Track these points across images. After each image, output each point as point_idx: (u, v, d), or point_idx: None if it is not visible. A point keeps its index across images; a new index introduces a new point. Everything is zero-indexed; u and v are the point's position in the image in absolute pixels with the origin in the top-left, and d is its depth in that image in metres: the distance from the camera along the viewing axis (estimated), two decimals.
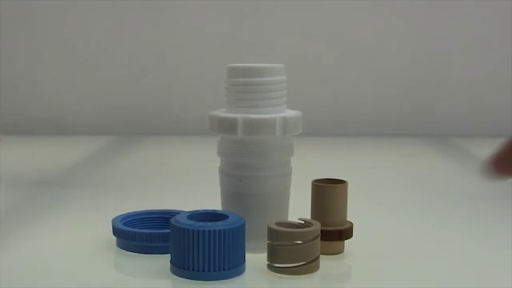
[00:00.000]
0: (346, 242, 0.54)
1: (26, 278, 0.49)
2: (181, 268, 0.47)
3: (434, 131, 1.32)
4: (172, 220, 0.48)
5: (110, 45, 1.33)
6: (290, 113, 0.55)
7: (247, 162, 0.53)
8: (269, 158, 0.53)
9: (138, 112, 1.34)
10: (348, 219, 0.55)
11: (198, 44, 1.32)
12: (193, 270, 0.47)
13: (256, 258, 0.50)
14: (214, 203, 0.56)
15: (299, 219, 0.51)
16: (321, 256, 0.49)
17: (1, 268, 0.52)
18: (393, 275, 0.49)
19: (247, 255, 0.49)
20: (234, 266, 0.47)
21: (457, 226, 0.65)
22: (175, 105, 1.33)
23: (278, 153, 0.54)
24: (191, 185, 0.84)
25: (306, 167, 0.64)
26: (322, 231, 0.49)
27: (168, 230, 0.49)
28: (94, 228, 0.60)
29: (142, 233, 0.53)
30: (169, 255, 0.49)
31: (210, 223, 0.47)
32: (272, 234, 0.48)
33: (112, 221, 0.56)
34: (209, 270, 0.46)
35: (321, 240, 0.49)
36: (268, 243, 0.49)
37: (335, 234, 0.52)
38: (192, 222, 0.47)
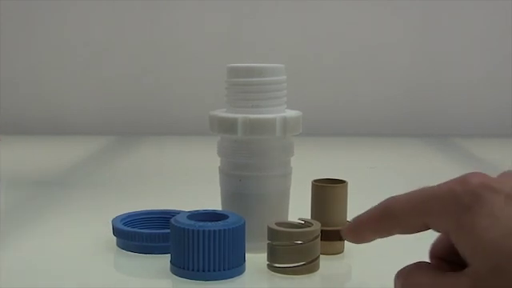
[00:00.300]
0: (346, 242, 0.54)
1: (26, 278, 0.49)
2: (181, 268, 0.47)
3: (433, 131, 1.32)
4: (172, 220, 0.48)
5: (110, 45, 1.33)
6: (290, 113, 0.55)
7: (247, 162, 0.53)
8: (269, 158, 0.53)
9: (138, 112, 1.34)
10: (348, 219, 0.55)
11: (198, 44, 1.32)
12: (193, 269, 0.47)
13: (256, 258, 0.50)
14: (214, 203, 0.56)
15: (299, 219, 0.51)
16: (321, 256, 0.49)
17: (1, 268, 0.52)
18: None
19: (247, 255, 0.49)
20: (234, 265, 0.47)
21: None
22: (175, 105, 1.33)
23: (278, 153, 0.54)
24: (191, 185, 0.84)
25: (305, 167, 0.64)
26: (321, 231, 0.49)
27: (168, 230, 0.49)
28: (93, 228, 0.60)
29: (142, 233, 0.53)
30: (169, 255, 0.49)
31: (210, 223, 0.47)
32: (272, 234, 0.48)
33: (112, 221, 0.55)
34: (209, 270, 0.46)
35: (321, 240, 0.49)
36: (268, 243, 0.49)
37: (335, 234, 0.52)
38: (192, 222, 0.47)
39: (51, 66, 1.33)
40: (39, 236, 0.60)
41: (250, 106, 0.53)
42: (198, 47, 1.32)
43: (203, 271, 0.46)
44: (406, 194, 0.38)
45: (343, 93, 1.34)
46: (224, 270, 0.47)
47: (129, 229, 0.54)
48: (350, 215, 0.55)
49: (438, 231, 0.37)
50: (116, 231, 0.54)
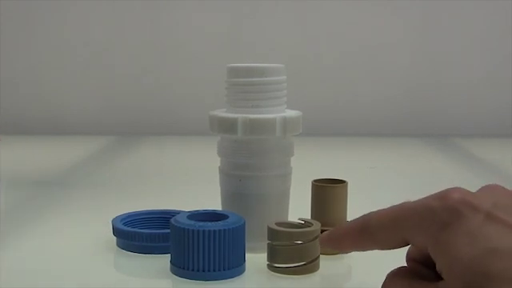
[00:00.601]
0: None
1: (26, 278, 0.49)
2: (181, 268, 0.47)
3: (434, 131, 1.32)
4: (172, 220, 0.48)
5: (110, 45, 1.33)
6: (290, 113, 0.55)
7: (247, 162, 0.53)
8: (269, 158, 0.53)
9: (138, 112, 1.34)
10: (348, 219, 0.55)
11: (198, 44, 1.32)
12: (193, 269, 0.47)
13: (256, 258, 0.50)
14: (214, 203, 0.56)
15: (299, 219, 0.51)
16: (321, 256, 0.49)
17: (1, 268, 0.52)
18: None
19: (247, 255, 0.49)
20: (234, 265, 0.47)
21: None
22: (175, 105, 1.33)
23: (278, 153, 0.54)
24: (191, 185, 0.84)
25: (305, 167, 0.64)
26: (321, 231, 0.49)
27: (168, 230, 0.49)
28: (94, 228, 0.60)
29: (142, 233, 0.53)
30: (169, 255, 0.49)
31: (210, 223, 0.47)
32: (272, 234, 0.48)
33: (112, 221, 0.55)
34: (209, 270, 0.46)
35: (321, 235, 0.49)
36: (268, 243, 0.49)
37: None
38: (192, 222, 0.47)
39: (51, 66, 1.33)
40: (39, 236, 0.60)
41: (250, 105, 0.53)
42: (198, 47, 1.32)
43: (203, 271, 0.46)
44: (385, 209, 0.38)
45: (343, 93, 1.34)
46: (224, 269, 0.47)
47: (129, 229, 0.54)
48: (350, 215, 0.55)
49: (417, 246, 0.37)
50: (116, 231, 0.54)
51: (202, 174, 0.77)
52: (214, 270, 0.46)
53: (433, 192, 0.37)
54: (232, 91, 0.54)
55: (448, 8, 1.32)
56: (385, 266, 0.41)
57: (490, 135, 1.29)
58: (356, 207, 0.56)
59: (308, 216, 0.54)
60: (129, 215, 0.57)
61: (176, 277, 0.48)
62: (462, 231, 0.34)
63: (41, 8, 1.31)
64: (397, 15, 1.33)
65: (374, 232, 0.39)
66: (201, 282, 0.46)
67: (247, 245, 0.49)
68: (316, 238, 0.48)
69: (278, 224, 0.49)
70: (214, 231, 0.46)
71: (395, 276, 0.39)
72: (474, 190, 0.38)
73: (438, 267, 0.35)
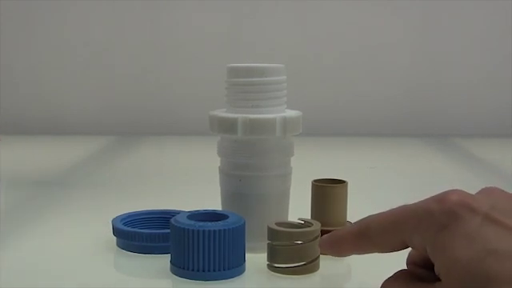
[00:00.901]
0: None
1: (26, 278, 0.49)
2: (181, 268, 0.47)
3: (434, 131, 1.32)
4: (172, 220, 0.48)
5: (110, 45, 1.33)
6: (290, 113, 0.55)
7: (247, 162, 0.53)
8: (269, 158, 0.53)
9: (138, 112, 1.34)
10: (348, 219, 0.55)
11: (198, 44, 1.32)
12: (193, 269, 0.47)
13: (256, 258, 0.50)
14: (214, 203, 0.56)
15: (299, 219, 0.51)
16: (321, 256, 0.49)
17: (1, 268, 0.52)
18: None
19: (247, 255, 0.49)
20: (234, 265, 0.47)
21: None
22: (175, 105, 1.33)
23: (278, 153, 0.54)
24: (191, 185, 0.84)
25: (305, 167, 0.64)
26: (321, 231, 0.49)
27: (168, 230, 0.49)
28: (94, 228, 0.60)
29: (142, 233, 0.53)
30: (169, 255, 0.49)
31: (210, 223, 0.47)
32: (272, 234, 0.48)
33: (112, 221, 0.55)
34: (209, 270, 0.46)
35: (320, 238, 0.49)
36: (268, 243, 0.49)
37: None
38: (192, 222, 0.47)
39: (51, 66, 1.33)
40: (39, 236, 0.60)
41: (250, 105, 0.53)
42: (198, 47, 1.32)
43: (203, 271, 0.46)
44: (384, 213, 0.39)
45: (343, 93, 1.34)
46: (224, 269, 0.47)
47: (129, 229, 0.54)
48: (350, 215, 0.55)
49: (416, 249, 0.38)
50: (116, 231, 0.54)
51: (202, 174, 0.77)
52: (214, 270, 0.46)
53: (433, 192, 0.37)
54: (232, 91, 0.54)
55: (448, 8, 1.32)
56: (384, 267, 0.41)
57: (490, 135, 1.29)
58: (356, 207, 0.56)
59: (308, 216, 0.54)
60: (129, 215, 0.57)
61: (176, 277, 0.48)
62: (460, 233, 0.34)
63: (41, 8, 1.31)
64: (397, 15, 1.33)
65: (373, 235, 0.39)
66: (201, 281, 0.46)
67: (247, 245, 0.49)
68: (316, 238, 0.48)
69: (278, 224, 0.49)
70: (214, 231, 0.46)
71: (393, 278, 0.40)
72: (473, 189, 0.39)
73: (436, 269, 0.35)
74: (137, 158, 1.08)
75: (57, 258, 0.53)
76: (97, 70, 1.34)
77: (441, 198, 0.36)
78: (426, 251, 0.36)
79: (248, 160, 0.53)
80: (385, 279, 0.40)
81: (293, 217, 0.52)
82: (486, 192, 0.38)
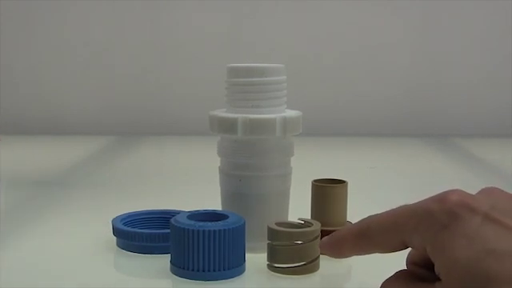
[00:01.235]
0: None
1: (26, 278, 0.49)
2: (181, 268, 0.47)
3: (434, 131, 1.32)
4: (172, 220, 0.48)
5: (110, 45, 1.33)
6: (290, 113, 0.55)
7: (247, 162, 0.53)
8: (269, 158, 0.53)
9: (138, 112, 1.34)
10: (348, 219, 0.55)
11: (198, 44, 1.32)
12: (193, 269, 0.47)
13: (256, 258, 0.50)
14: (214, 203, 0.56)
15: (299, 219, 0.51)
16: (321, 256, 0.49)
17: (1, 268, 0.52)
18: None
19: (247, 255, 0.49)
20: (234, 265, 0.47)
21: None
22: (175, 105, 1.33)
23: (278, 153, 0.54)
24: (191, 185, 0.84)
25: (306, 167, 0.64)
26: (321, 231, 0.49)
27: (168, 230, 0.49)
28: (93, 228, 0.60)
29: (142, 233, 0.53)
30: (169, 255, 0.49)
31: (210, 223, 0.47)
32: (272, 234, 0.48)
33: (112, 221, 0.55)
34: (209, 270, 0.46)
35: (321, 240, 0.49)
36: (268, 243, 0.49)
37: None
38: (192, 222, 0.47)
39: (51, 66, 1.33)
40: (39, 236, 0.60)
41: (250, 105, 0.53)
42: (198, 47, 1.32)
43: (203, 271, 0.46)
44: (384, 213, 0.39)
45: (343, 93, 1.34)
46: (224, 269, 0.47)
47: (129, 229, 0.54)
48: (350, 215, 0.55)
49: (416, 249, 0.38)
50: (116, 231, 0.54)
51: (202, 174, 0.77)
52: (214, 270, 0.46)
53: (433, 192, 0.38)
54: (232, 91, 0.54)
55: (448, 8, 1.32)
56: (384, 267, 0.41)
57: (490, 135, 1.29)
58: (356, 207, 0.56)
59: (308, 216, 0.54)
60: (129, 215, 0.57)
61: (176, 277, 0.48)
62: (460, 233, 0.34)
63: (41, 8, 1.31)
64: (397, 15, 1.33)
65: (373, 235, 0.39)
66: (201, 281, 0.46)
67: (247, 245, 0.49)
68: (316, 238, 0.48)
69: (278, 224, 0.49)
70: (214, 231, 0.46)
71: (393, 278, 0.40)
72: (473, 189, 0.39)
73: (436, 269, 0.35)
74: (137, 158, 1.08)
75: (57, 258, 0.53)
76: (97, 70, 1.34)
77: (441, 198, 0.36)
78: (426, 251, 0.36)
79: (248, 160, 0.53)
80: (385, 279, 0.40)
81: (293, 217, 0.52)
82: (486, 192, 0.38)
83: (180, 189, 0.82)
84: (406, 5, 1.32)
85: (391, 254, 0.39)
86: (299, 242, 0.48)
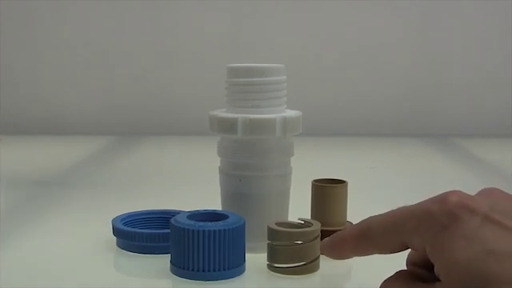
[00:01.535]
0: None
1: (26, 278, 0.49)
2: (181, 268, 0.47)
3: (433, 131, 1.32)
4: (172, 220, 0.48)
5: (110, 45, 1.33)
6: (290, 113, 0.55)
7: (247, 162, 0.53)
8: (269, 158, 0.53)
9: (138, 112, 1.34)
10: (348, 219, 0.55)
11: (198, 44, 1.32)
12: (193, 269, 0.47)
13: (256, 258, 0.50)
14: (214, 203, 0.56)
15: (299, 219, 0.51)
16: (321, 256, 0.49)
17: (1, 268, 0.52)
18: None
19: (247, 255, 0.49)
20: (234, 265, 0.47)
21: None
22: (175, 105, 1.33)
23: (278, 153, 0.54)
24: (191, 185, 0.84)
25: (305, 167, 0.64)
26: (321, 231, 0.49)
27: (168, 230, 0.49)
28: (93, 228, 0.60)
29: (142, 233, 0.53)
30: (169, 255, 0.49)
31: (210, 223, 0.47)
32: (272, 234, 0.48)
33: (112, 221, 0.55)
34: (209, 270, 0.46)
35: (321, 240, 0.49)
36: (268, 243, 0.49)
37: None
38: (192, 222, 0.47)
39: (51, 66, 1.33)
40: (39, 236, 0.60)
41: (250, 105, 0.53)
42: (198, 47, 1.32)
43: (203, 271, 0.46)
44: (384, 214, 0.39)
45: (343, 93, 1.34)
46: (224, 269, 0.47)
47: (129, 229, 0.54)
48: (350, 215, 0.55)
49: (416, 249, 0.38)
50: (116, 231, 0.54)
51: (202, 174, 0.77)
52: (214, 270, 0.46)
53: (433, 192, 0.38)
54: (232, 91, 0.54)
55: (448, 8, 1.32)
56: (384, 267, 0.41)
57: (490, 135, 1.29)
58: (356, 207, 0.56)
59: (308, 216, 0.54)
60: (129, 215, 0.57)
61: (176, 277, 0.48)
62: (459, 234, 0.34)
63: (41, 8, 1.31)
64: (397, 15, 1.33)
65: (373, 236, 0.39)
66: (201, 281, 0.46)
67: (247, 245, 0.49)
68: (316, 238, 0.48)
69: (278, 224, 0.49)
70: (214, 231, 0.46)
71: (393, 278, 0.40)
72: (473, 190, 0.39)
73: (436, 270, 0.36)
74: (137, 158, 1.08)
75: (57, 258, 0.53)
76: (97, 70, 1.34)
77: (440, 199, 0.36)
78: (426, 252, 0.36)
79: (248, 160, 0.53)
80: (385, 279, 0.40)
81: (293, 217, 0.52)
82: (486, 193, 0.38)
83: (180, 189, 0.82)
84: (405, 5, 1.32)
85: (391, 254, 0.39)
86: (299, 242, 0.48)
